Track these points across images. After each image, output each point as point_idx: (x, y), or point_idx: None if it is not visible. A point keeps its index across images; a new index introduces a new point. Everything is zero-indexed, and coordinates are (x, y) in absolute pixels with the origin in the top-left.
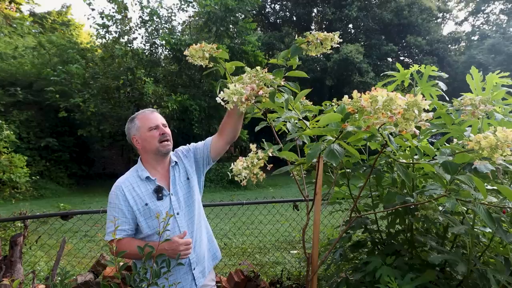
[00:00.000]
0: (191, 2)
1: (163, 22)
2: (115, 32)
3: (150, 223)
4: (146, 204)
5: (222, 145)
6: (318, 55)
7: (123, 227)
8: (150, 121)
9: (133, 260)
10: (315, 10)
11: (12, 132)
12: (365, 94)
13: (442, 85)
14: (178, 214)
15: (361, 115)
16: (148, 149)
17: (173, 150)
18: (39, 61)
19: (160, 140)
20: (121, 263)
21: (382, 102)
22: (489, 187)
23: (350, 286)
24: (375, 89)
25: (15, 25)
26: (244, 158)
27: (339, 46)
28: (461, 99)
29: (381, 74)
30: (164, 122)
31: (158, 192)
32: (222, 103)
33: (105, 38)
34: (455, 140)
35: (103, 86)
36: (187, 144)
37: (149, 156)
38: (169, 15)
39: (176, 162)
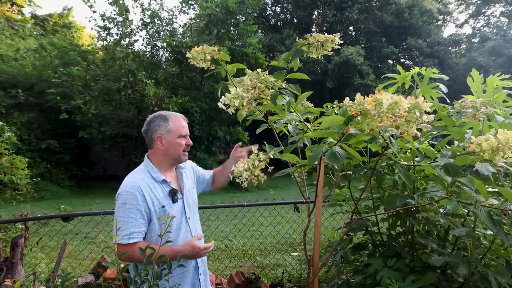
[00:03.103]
0: (192, 5)
1: (164, 24)
2: (116, 34)
3: (163, 226)
4: (163, 207)
5: (212, 189)
6: (319, 57)
7: (140, 229)
8: (184, 129)
9: (133, 262)
10: (315, 13)
11: (13, 134)
12: (366, 96)
13: (442, 87)
14: (189, 218)
15: (365, 118)
16: (170, 154)
17: None
18: (40, 63)
19: (185, 150)
20: (122, 265)
21: (387, 105)
22: (490, 189)
23: None
24: (379, 92)
25: (16, 27)
26: (245, 160)
27: (339, 48)
28: (462, 101)
29: (382, 76)
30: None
31: (174, 195)
32: (224, 108)
33: (106, 40)
34: (455, 142)
35: (104, 88)
36: (196, 154)
37: (166, 160)
38: (170, 17)
39: (183, 168)
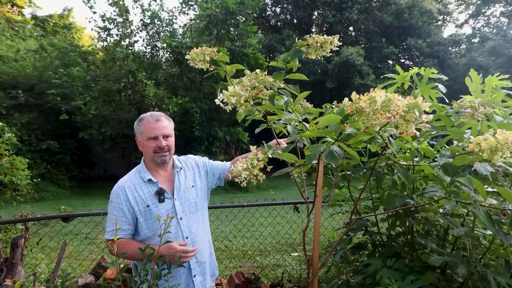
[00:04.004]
0: (192, 5)
1: (164, 25)
2: (116, 35)
3: (150, 225)
4: (148, 206)
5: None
6: (319, 58)
7: (123, 227)
8: (151, 131)
9: (133, 261)
10: (315, 13)
11: (13, 135)
12: (364, 96)
13: (441, 87)
14: (181, 219)
15: (360, 116)
16: (145, 156)
17: (181, 154)
18: (40, 64)
19: (157, 151)
20: (122, 265)
21: (381, 102)
22: (489, 189)
23: None
24: (374, 90)
25: (17, 28)
26: (244, 159)
27: (339, 49)
28: (460, 102)
29: (381, 77)
30: (167, 132)
31: (160, 195)
32: (221, 105)
33: (107, 41)
34: (455, 142)
35: (104, 89)
36: (196, 155)
37: (148, 160)
38: (170, 18)
39: (181, 168)
